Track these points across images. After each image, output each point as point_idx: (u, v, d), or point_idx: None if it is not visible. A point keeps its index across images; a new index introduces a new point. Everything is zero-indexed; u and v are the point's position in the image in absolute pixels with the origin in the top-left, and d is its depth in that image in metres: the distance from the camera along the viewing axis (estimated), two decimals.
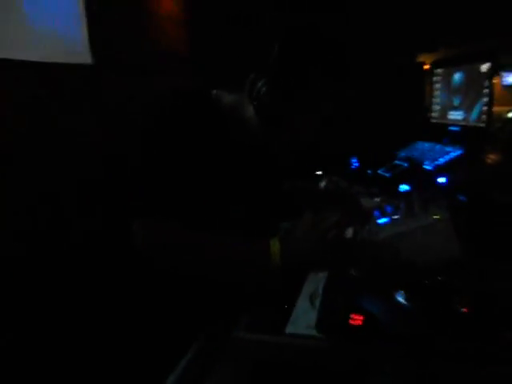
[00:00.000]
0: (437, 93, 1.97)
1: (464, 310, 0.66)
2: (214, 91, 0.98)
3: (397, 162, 1.85)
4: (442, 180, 1.51)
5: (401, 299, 0.67)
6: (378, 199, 1.41)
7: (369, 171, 1.90)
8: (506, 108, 1.68)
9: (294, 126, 0.91)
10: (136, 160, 0.87)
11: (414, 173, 1.68)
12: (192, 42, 2.61)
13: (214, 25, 2.56)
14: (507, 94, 1.74)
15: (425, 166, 1.66)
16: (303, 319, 0.73)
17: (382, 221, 1.01)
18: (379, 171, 1.84)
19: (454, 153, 1.63)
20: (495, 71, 1.55)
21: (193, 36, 2.63)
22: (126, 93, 1.93)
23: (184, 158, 0.85)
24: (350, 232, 1.03)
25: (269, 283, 0.87)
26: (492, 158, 1.57)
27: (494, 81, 1.73)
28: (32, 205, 1.23)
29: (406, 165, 1.78)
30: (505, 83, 1.71)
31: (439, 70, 1.95)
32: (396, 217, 1.00)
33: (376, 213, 1.05)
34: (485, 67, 1.58)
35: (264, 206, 1.08)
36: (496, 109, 1.68)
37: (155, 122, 0.87)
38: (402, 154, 1.90)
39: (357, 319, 0.65)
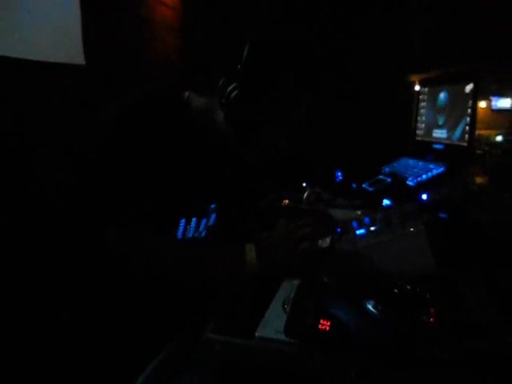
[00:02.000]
0: (422, 111, 2.01)
1: (430, 319, 0.67)
2: (186, 93, 0.97)
3: (381, 176, 1.87)
4: (424, 196, 1.53)
5: (369, 307, 0.68)
6: (358, 212, 1.43)
7: (353, 185, 1.92)
8: (495, 131, 1.72)
9: (263, 131, 0.91)
10: (105, 164, 0.86)
11: (397, 188, 1.70)
12: (187, 50, 2.63)
13: (209, 33, 2.59)
14: (496, 118, 1.78)
15: (408, 182, 1.69)
16: (274, 324, 0.74)
17: (359, 231, 1.03)
18: (363, 185, 1.87)
19: (437, 170, 1.65)
20: (478, 92, 1.59)
21: (188, 44, 2.65)
22: (116, 96, 1.93)
23: (151, 161, 0.84)
24: (327, 241, 1.05)
25: (242, 288, 0.88)
26: (478, 179, 1.60)
27: (484, 105, 1.77)
28: (11, 206, 1.22)
29: (389, 180, 1.80)
30: (494, 107, 1.76)
31: (425, 89, 1.99)
32: (373, 228, 1.02)
33: (354, 224, 1.06)
34: (468, 88, 1.62)
35: (233, 211, 1.09)
36: (485, 132, 1.72)
37: (122, 126, 0.86)
38: (387, 169, 1.93)
39: (325, 324, 0.66)
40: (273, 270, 0.90)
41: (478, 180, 1.60)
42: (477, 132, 1.72)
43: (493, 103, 1.79)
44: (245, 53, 0.84)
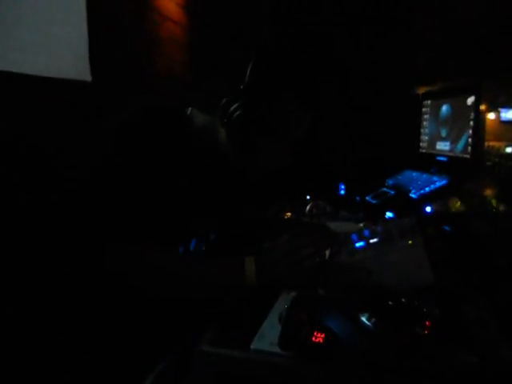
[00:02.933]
0: (425, 123, 2.01)
1: (425, 332, 0.67)
2: (189, 109, 0.97)
3: (384, 189, 1.87)
4: (428, 208, 1.53)
5: (363, 319, 0.68)
6: (361, 224, 1.43)
7: (357, 197, 1.92)
8: (504, 143, 1.71)
9: (264, 151, 0.92)
10: (106, 179, 0.87)
11: (400, 200, 1.70)
12: (193, 65, 2.67)
13: (214, 48, 2.63)
14: (505, 130, 1.78)
15: (411, 195, 1.68)
16: (269, 336, 0.74)
17: (358, 244, 1.03)
18: (367, 198, 1.87)
19: (440, 182, 1.65)
20: (479, 104, 1.59)
21: (194, 60, 2.69)
22: (122, 110, 1.96)
23: (152, 176, 0.85)
24: (326, 254, 1.05)
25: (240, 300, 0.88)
26: (488, 191, 1.59)
27: (493, 116, 1.77)
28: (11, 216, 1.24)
29: (392, 192, 1.80)
30: (503, 119, 1.75)
31: (428, 102, 2.00)
32: (373, 241, 1.02)
33: (354, 236, 1.06)
34: (470, 100, 1.62)
35: (233, 230, 1.10)
36: (494, 144, 1.72)
37: (124, 141, 0.87)
38: (390, 181, 1.93)
39: (318, 337, 0.66)
40: (273, 282, 0.90)
41: (488, 192, 1.59)
42: (486, 143, 1.72)
43: (502, 115, 1.79)
44: (248, 72, 0.85)
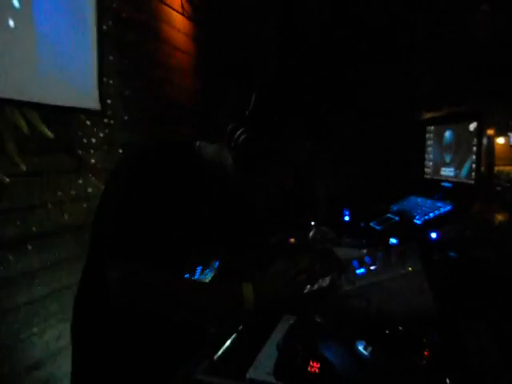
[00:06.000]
0: (430, 149, 2.01)
1: (423, 361, 0.66)
2: (197, 142, 1.01)
3: (389, 215, 1.86)
4: (433, 234, 1.52)
5: (360, 348, 0.67)
6: (364, 250, 1.42)
7: (362, 223, 1.91)
8: None
9: (269, 173, 0.94)
10: (113, 203, 0.89)
11: (404, 226, 1.69)
12: (202, 93, 2.73)
13: (221, 75, 2.68)
14: None
15: (415, 221, 1.67)
16: (266, 365, 0.73)
17: (359, 271, 1.02)
18: (371, 224, 1.86)
19: (444, 208, 1.64)
20: (482, 130, 1.60)
21: (203, 87, 2.75)
22: (130, 139, 2.01)
23: (162, 205, 0.87)
24: (327, 281, 1.04)
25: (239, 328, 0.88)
26: (498, 216, 1.57)
27: (502, 141, 1.77)
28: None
29: (397, 218, 1.79)
30: None
31: (431, 128, 2.01)
32: (373, 267, 1.01)
33: (354, 263, 1.06)
34: (472, 126, 1.63)
35: (241, 251, 1.10)
36: (504, 168, 1.71)
37: (136, 171, 0.90)
38: (395, 207, 1.92)
39: (314, 367, 0.65)
40: (270, 305, 0.89)
41: (498, 217, 1.58)
42: (496, 168, 1.71)
43: None
44: (252, 98, 0.88)
